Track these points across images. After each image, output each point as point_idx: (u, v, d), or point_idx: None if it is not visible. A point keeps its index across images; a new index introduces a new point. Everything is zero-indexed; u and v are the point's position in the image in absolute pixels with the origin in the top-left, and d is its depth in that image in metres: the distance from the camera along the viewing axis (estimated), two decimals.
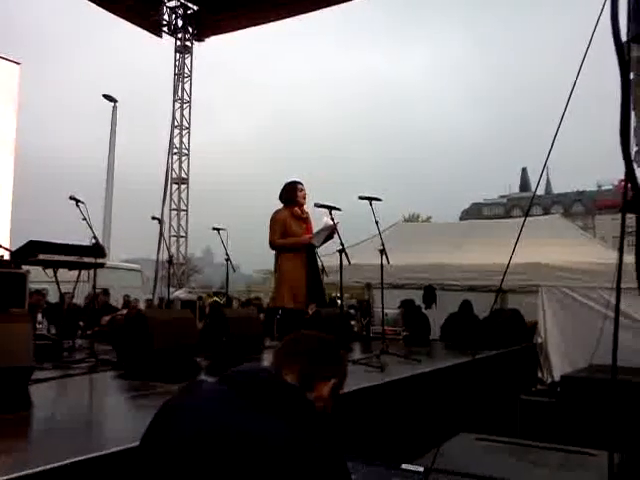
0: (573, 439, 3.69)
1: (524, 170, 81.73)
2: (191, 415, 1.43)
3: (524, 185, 79.82)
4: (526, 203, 65.24)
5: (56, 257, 5.54)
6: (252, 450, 1.31)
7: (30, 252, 5.40)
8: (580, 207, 68.71)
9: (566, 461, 2.96)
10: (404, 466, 2.18)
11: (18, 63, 10.73)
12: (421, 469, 2.17)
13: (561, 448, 3.17)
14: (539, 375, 8.22)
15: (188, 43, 15.75)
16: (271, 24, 14.41)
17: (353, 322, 9.36)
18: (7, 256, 6.10)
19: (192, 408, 1.46)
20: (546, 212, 45.41)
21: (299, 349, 1.69)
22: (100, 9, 13.37)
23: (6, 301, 4.70)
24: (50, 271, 5.78)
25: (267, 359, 5.20)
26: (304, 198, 5.80)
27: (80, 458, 2.28)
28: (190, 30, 15.54)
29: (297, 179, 5.87)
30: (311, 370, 1.64)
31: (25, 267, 5.52)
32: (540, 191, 67.47)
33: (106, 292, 9.88)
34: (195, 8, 15.06)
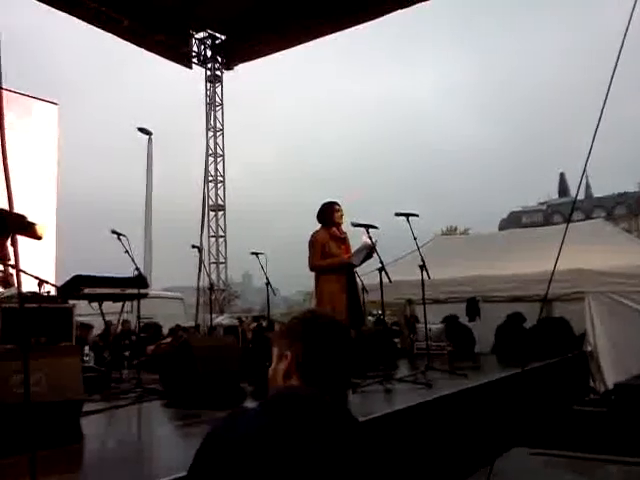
0: (630, 450, 3.55)
1: (562, 175, 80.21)
2: (236, 444, 1.43)
3: (563, 190, 78.21)
4: (566, 209, 63.72)
5: (101, 290, 5.64)
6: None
7: (76, 286, 5.51)
8: (622, 209, 66.89)
9: (628, 474, 2.85)
10: None
11: (56, 104, 11.08)
12: None
13: (621, 460, 3.06)
14: (591, 384, 7.99)
15: (218, 72, 16.05)
16: (291, 50, 14.64)
17: (397, 339, 9.28)
18: (53, 291, 6.25)
19: (237, 437, 1.45)
20: (588, 217, 44.35)
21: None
22: (130, 45, 13.71)
23: (55, 335, 4.80)
24: (95, 304, 5.88)
25: None
26: (341, 218, 5.76)
27: None
28: (219, 60, 15.85)
29: (333, 200, 5.84)
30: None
31: (71, 302, 5.63)
32: (580, 195, 65.73)
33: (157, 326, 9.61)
34: (223, 38, 15.36)
